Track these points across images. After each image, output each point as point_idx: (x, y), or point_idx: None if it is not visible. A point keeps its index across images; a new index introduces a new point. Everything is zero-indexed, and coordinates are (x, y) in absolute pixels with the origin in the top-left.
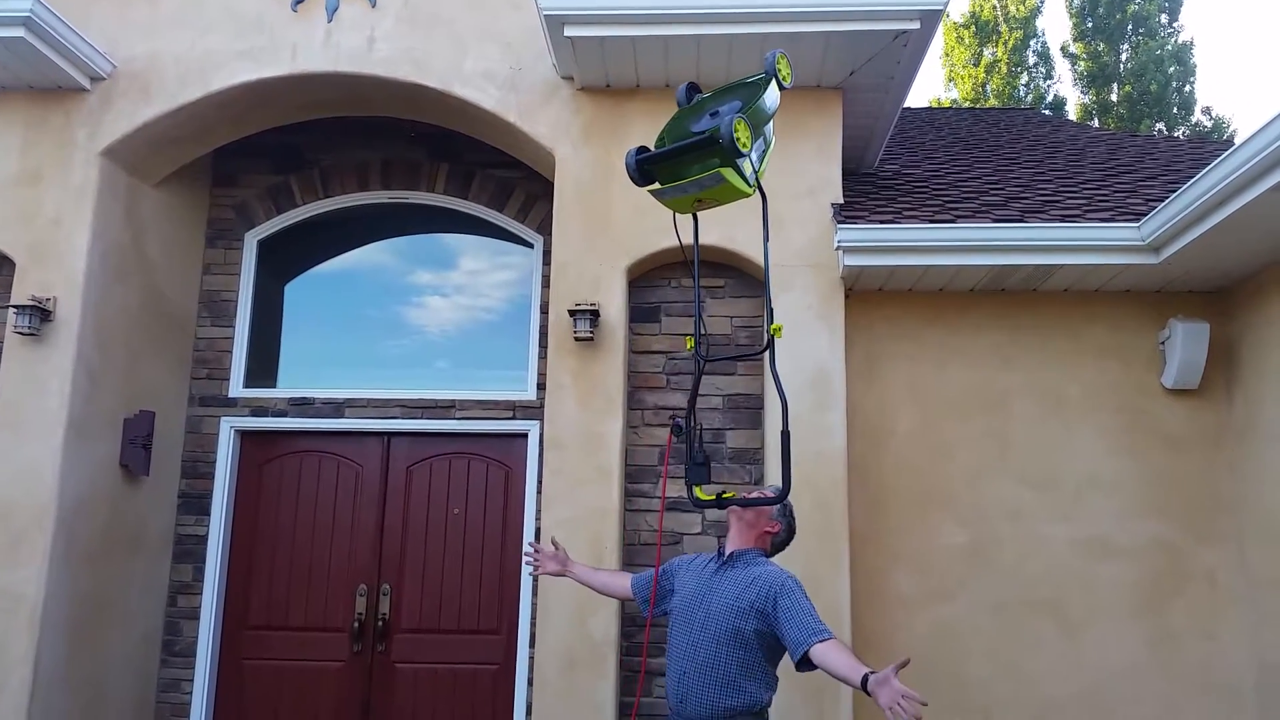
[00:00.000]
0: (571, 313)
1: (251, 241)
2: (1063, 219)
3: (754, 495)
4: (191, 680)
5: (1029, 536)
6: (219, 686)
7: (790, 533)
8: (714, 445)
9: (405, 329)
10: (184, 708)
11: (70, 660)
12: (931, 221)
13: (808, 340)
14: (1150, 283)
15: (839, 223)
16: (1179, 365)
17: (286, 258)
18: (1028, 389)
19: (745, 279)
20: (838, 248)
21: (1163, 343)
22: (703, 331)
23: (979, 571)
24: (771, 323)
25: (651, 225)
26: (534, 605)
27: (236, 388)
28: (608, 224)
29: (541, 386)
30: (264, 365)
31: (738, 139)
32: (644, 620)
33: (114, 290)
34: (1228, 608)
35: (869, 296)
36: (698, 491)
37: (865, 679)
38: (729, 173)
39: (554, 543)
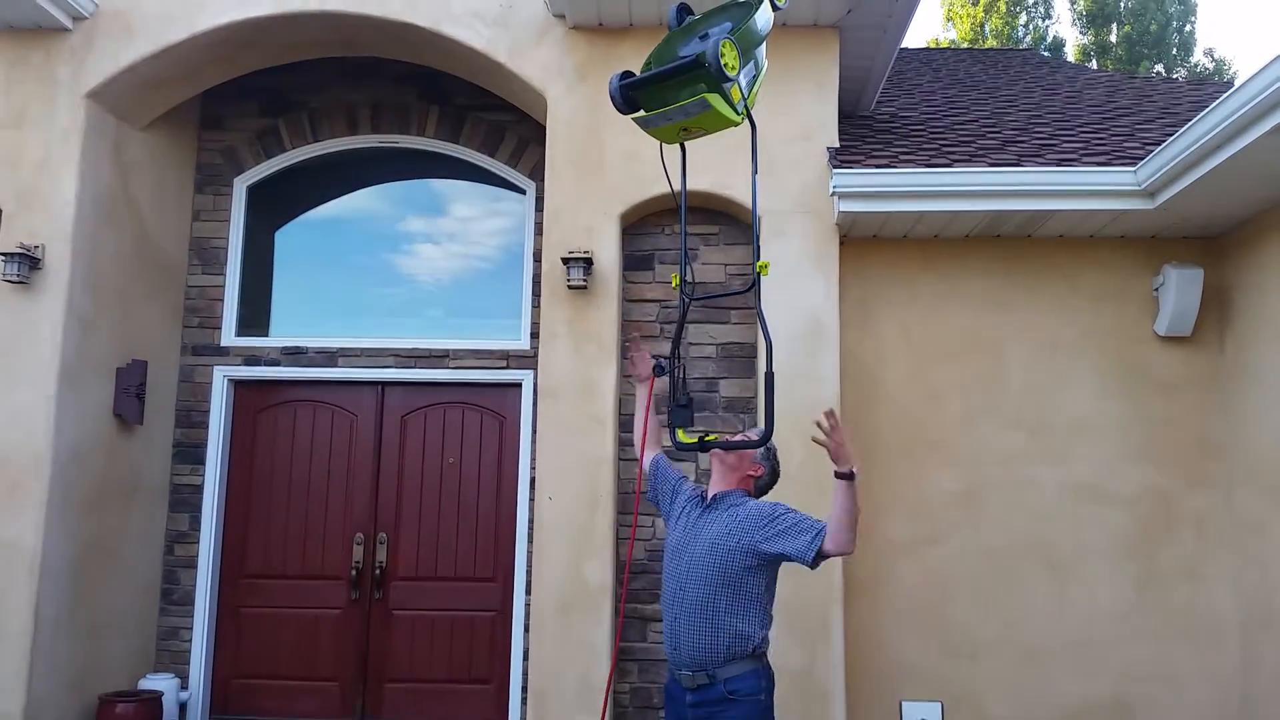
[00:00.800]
0: (565, 260)
1: (240, 187)
2: (1059, 163)
3: (737, 439)
4: (190, 628)
5: (1020, 482)
6: (218, 634)
7: (774, 475)
8: (707, 394)
9: (397, 277)
10: (183, 654)
11: (71, 607)
12: (927, 166)
13: (802, 287)
14: (1146, 228)
15: (834, 167)
16: (1172, 311)
17: (276, 204)
18: (1021, 335)
19: (738, 226)
20: (833, 193)
21: (1157, 289)
22: (689, 276)
23: (969, 516)
24: (758, 260)
25: (645, 171)
26: (529, 553)
27: (229, 336)
28: (601, 169)
29: (535, 335)
30: (256, 314)
31: (724, 62)
32: (635, 567)
33: (104, 237)
34: (1214, 550)
35: (864, 242)
36: (680, 434)
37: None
38: (715, 99)
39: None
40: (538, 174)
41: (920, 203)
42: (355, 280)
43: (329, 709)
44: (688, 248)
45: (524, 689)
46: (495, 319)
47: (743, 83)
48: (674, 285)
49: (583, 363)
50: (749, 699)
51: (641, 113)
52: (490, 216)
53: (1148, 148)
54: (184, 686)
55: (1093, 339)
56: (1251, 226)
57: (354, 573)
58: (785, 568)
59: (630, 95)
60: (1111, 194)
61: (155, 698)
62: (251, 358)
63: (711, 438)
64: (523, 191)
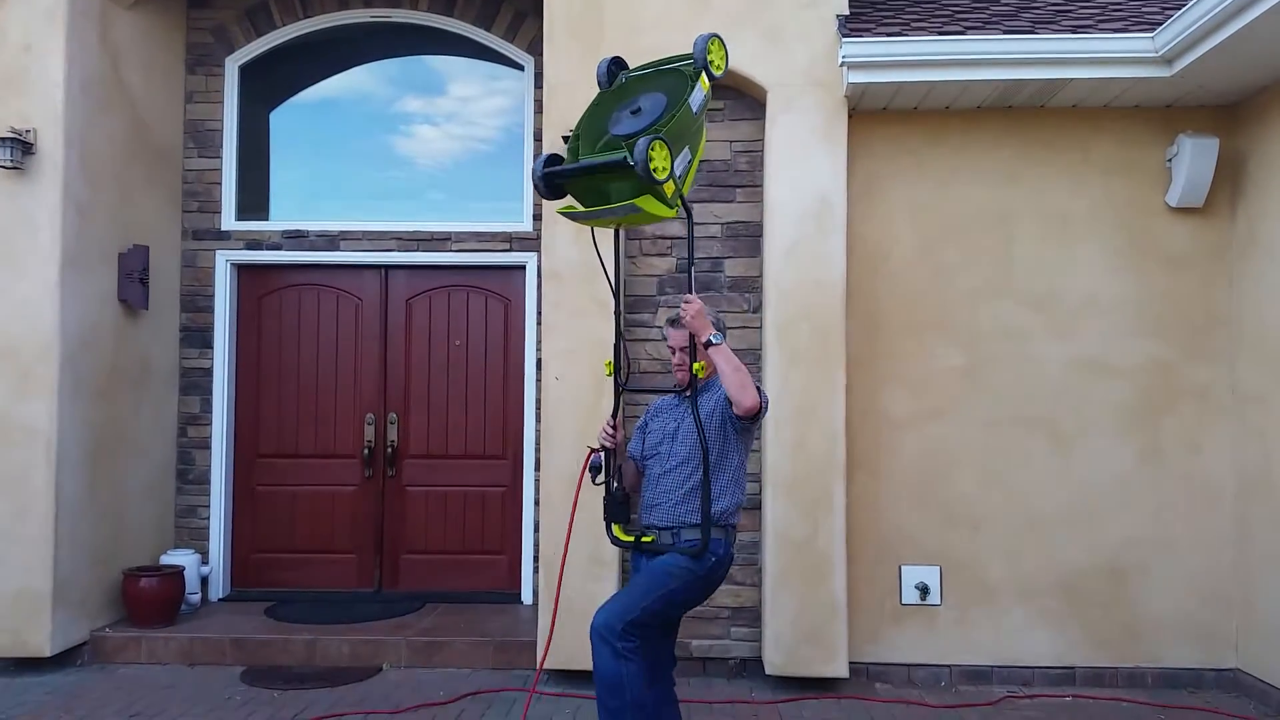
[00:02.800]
0: (565, 139)
1: (233, 67)
2: (1074, 30)
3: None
4: (207, 506)
5: (1025, 356)
6: (235, 511)
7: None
8: (711, 274)
9: (397, 159)
10: (202, 531)
11: (90, 488)
12: (940, 34)
13: (809, 164)
14: (1161, 97)
15: (844, 36)
16: (1185, 182)
17: (270, 84)
18: (1031, 209)
19: (745, 100)
20: (842, 63)
21: (1170, 159)
22: (623, 360)
23: (973, 391)
24: (695, 361)
25: (646, 41)
26: (538, 431)
27: (229, 220)
28: (600, 41)
29: (538, 218)
30: (255, 198)
31: (653, 167)
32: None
33: (96, 120)
34: (1215, 421)
35: (872, 116)
36: (616, 530)
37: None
38: (646, 201)
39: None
40: (536, 48)
41: (932, 72)
42: (354, 163)
43: (347, 579)
44: None
45: (535, 559)
46: (497, 201)
47: (677, 172)
48: (608, 374)
49: (586, 245)
50: (688, 548)
51: (570, 202)
52: (489, 95)
53: (1167, 13)
54: (204, 561)
55: (1103, 212)
56: (1270, 94)
57: (366, 451)
58: (790, 445)
59: (555, 182)
60: (1128, 61)
61: (177, 572)
62: (253, 242)
63: (648, 539)
64: (521, 68)
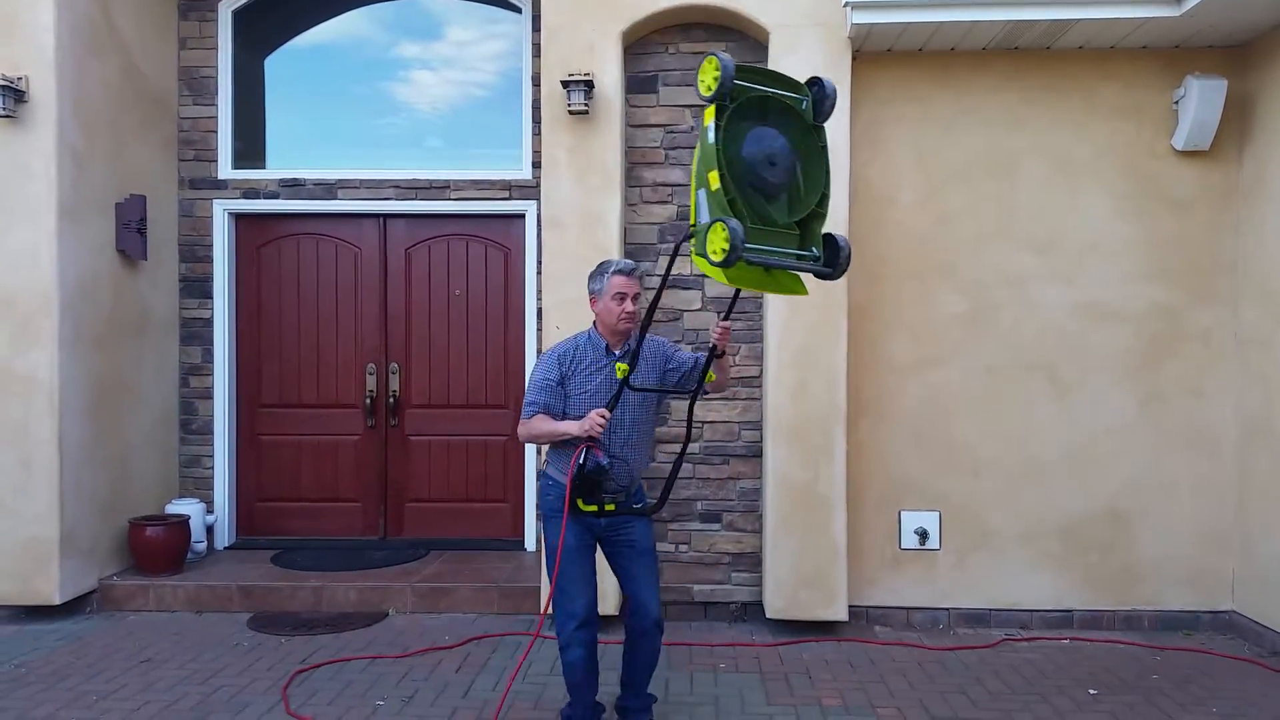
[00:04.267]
0: (564, 84)
1: (226, 11)
2: None
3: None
4: (211, 456)
5: (1028, 302)
6: (239, 461)
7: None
8: None
9: (394, 106)
10: (207, 481)
11: (93, 439)
12: None
13: None
14: (1169, 37)
15: None
16: (1192, 124)
17: (264, 29)
18: (1036, 152)
19: (748, 41)
20: (846, 3)
21: (1177, 101)
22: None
23: (975, 337)
24: (708, 371)
25: None
26: None
27: (225, 169)
28: None
29: (537, 165)
30: (251, 146)
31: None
32: None
33: (89, 67)
34: (1217, 366)
35: (876, 58)
36: (579, 503)
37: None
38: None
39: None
40: None
41: (939, 12)
42: (350, 110)
43: (352, 528)
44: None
45: (538, 507)
46: (496, 148)
47: None
48: (620, 375)
49: (586, 192)
50: (644, 507)
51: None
52: (486, 39)
53: None
54: (210, 510)
55: (1108, 156)
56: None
57: (368, 401)
58: (791, 391)
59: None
60: (1137, 0)
61: (183, 520)
62: (250, 190)
63: (610, 507)
64: (518, 9)
